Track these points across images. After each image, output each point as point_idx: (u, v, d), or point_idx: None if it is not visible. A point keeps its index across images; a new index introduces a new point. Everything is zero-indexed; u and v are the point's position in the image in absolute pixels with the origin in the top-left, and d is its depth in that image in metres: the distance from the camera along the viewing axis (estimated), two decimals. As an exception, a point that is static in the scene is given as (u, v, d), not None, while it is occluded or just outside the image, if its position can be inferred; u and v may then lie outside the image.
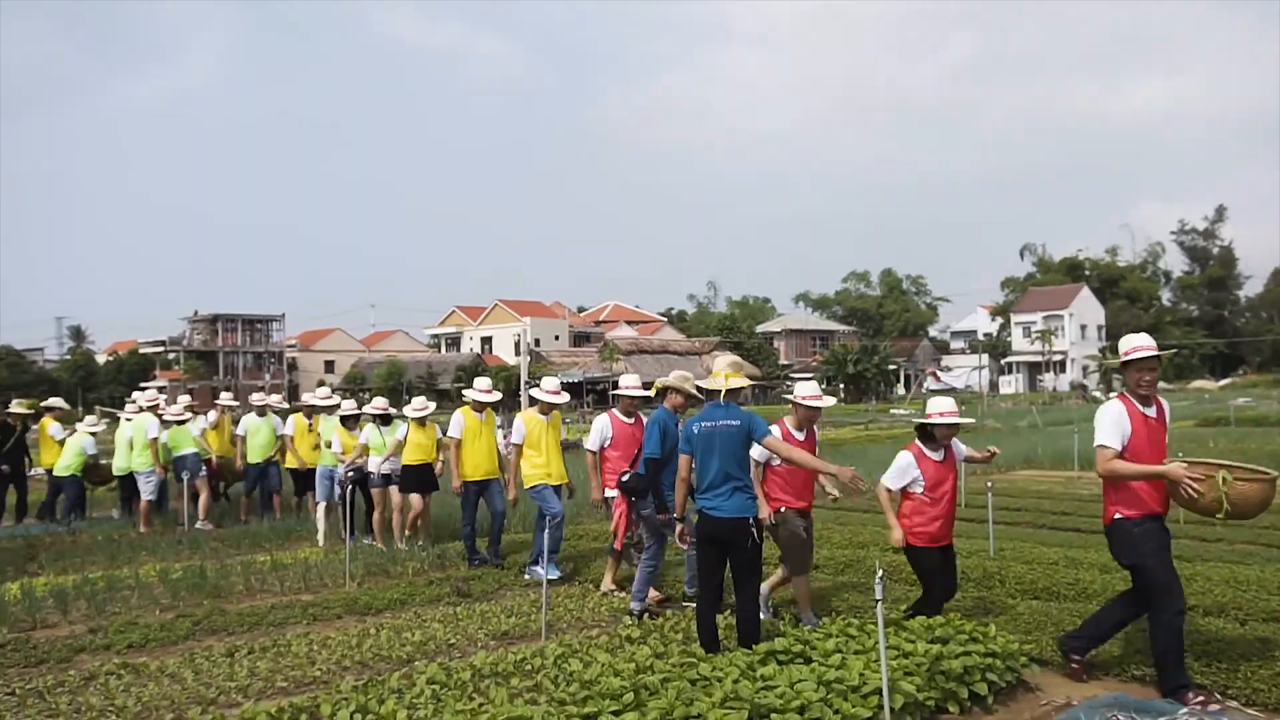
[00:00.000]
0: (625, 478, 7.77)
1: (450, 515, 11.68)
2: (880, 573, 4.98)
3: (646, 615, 7.26)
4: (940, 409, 6.37)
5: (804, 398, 6.93)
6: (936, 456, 6.31)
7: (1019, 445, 20.96)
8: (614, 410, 8.69)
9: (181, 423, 13.16)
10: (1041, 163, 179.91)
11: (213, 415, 14.05)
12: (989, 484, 10.20)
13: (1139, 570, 5.46)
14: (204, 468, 13.10)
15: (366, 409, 11.91)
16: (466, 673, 5.73)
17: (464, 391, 10.77)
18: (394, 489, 11.02)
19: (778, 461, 6.73)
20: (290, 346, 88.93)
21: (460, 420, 9.85)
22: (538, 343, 76.91)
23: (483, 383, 10.36)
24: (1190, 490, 5.19)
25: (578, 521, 12.14)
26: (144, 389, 28.63)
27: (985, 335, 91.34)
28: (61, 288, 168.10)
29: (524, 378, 30.36)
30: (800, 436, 6.86)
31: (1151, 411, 5.49)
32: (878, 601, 4.68)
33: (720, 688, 4.69)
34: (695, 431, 6.05)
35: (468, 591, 8.58)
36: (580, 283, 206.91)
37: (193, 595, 8.58)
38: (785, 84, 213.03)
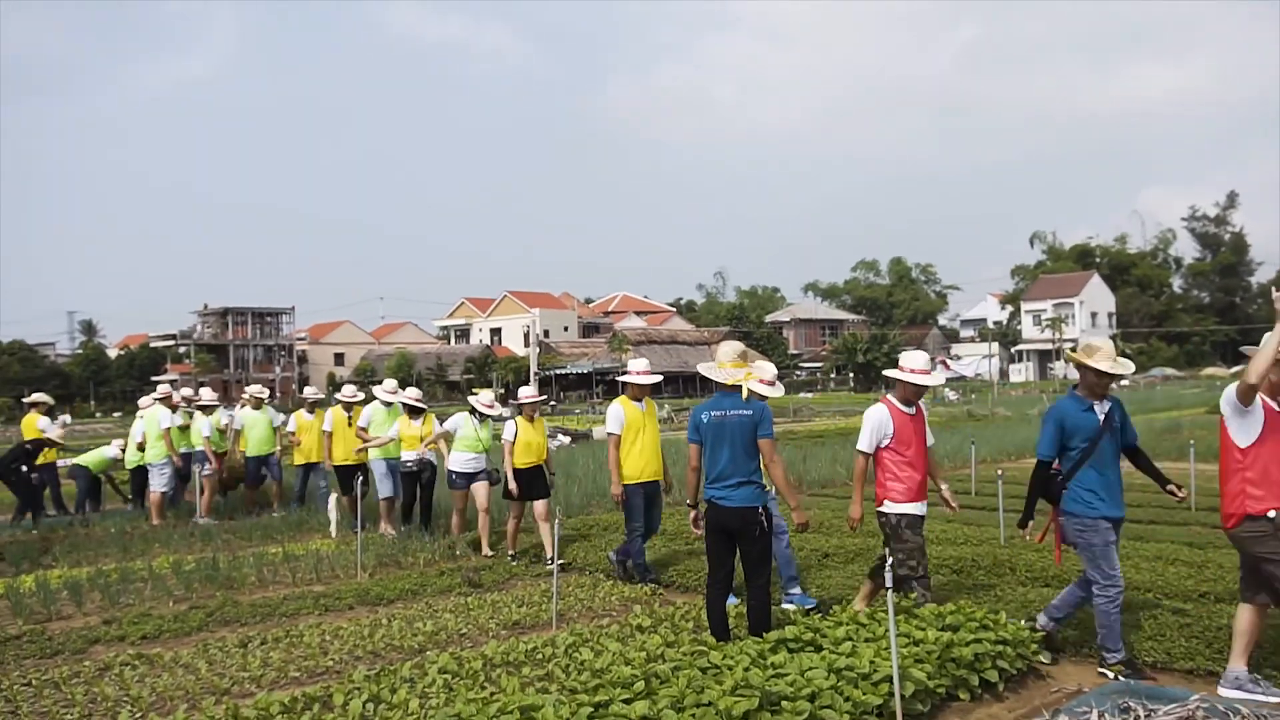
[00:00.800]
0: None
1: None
2: (890, 561, 4.97)
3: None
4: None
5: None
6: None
7: (1029, 433, 20.88)
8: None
9: (209, 409, 13.27)
10: (1050, 150, 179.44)
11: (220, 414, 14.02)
12: (1000, 471, 10.17)
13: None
14: (209, 464, 13.08)
15: (401, 397, 11.40)
16: (478, 662, 5.76)
17: (620, 377, 9.77)
18: (479, 487, 10.14)
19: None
20: (300, 339, 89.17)
21: (620, 413, 8.21)
22: (547, 334, 77.00)
23: (640, 364, 8.65)
24: None
25: (588, 511, 12.17)
26: (156, 382, 28.80)
27: (995, 323, 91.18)
28: (73, 282, 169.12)
29: (533, 369, 30.37)
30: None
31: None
32: (887, 589, 4.68)
33: (731, 676, 4.70)
34: (705, 420, 5.98)
35: (479, 582, 8.61)
36: (589, 273, 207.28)
37: (205, 587, 8.63)
38: (793, 73, 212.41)
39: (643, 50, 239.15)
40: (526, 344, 72.65)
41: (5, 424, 51.12)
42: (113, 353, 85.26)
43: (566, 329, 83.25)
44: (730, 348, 6.16)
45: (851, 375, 70.31)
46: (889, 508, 6.19)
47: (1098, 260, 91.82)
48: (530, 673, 5.60)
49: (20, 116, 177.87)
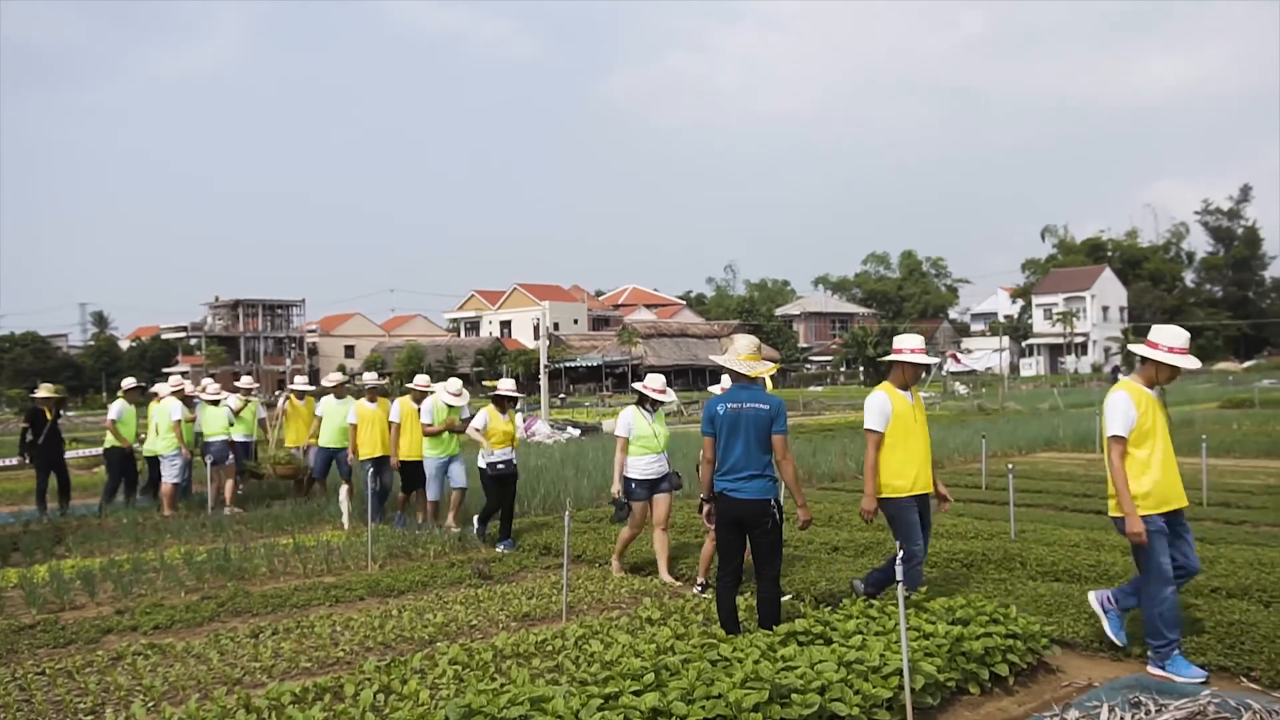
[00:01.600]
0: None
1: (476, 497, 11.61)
2: (900, 554, 4.97)
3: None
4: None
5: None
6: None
7: (1040, 427, 20.85)
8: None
9: (246, 401, 13.35)
10: (1062, 142, 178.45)
11: (234, 400, 14.04)
12: (1010, 466, 10.15)
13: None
14: (229, 455, 12.96)
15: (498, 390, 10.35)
16: (488, 653, 5.78)
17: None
18: (661, 498, 8.25)
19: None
20: (310, 331, 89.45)
21: (887, 403, 6.33)
22: (556, 326, 76.95)
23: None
24: None
25: (597, 504, 12.19)
26: (169, 374, 28.89)
27: (1006, 317, 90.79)
28: (84, 274, 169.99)
29: (543, 362, 30.35)
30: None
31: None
32: (898, 582, 4.68)
33: (741, 668, 4.70)
34: (720, 413, 5.96)
35: (489, 574, 8.63)
36: (599, 266, 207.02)
37: (217, 577, 8.68)
38: (801, 63, 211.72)
39: (648, 40, 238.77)
40: (536, 337, 72.59)
41: (16, 415, 51.34)
42: (124, 344, 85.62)
43: (576, 322, 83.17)
44: (748, 340, 6.16)
45: (861, 369, 70.11)
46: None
47: (1109, 254, 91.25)
48: (540, 664, 5.62)
49: (30, 107, 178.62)
